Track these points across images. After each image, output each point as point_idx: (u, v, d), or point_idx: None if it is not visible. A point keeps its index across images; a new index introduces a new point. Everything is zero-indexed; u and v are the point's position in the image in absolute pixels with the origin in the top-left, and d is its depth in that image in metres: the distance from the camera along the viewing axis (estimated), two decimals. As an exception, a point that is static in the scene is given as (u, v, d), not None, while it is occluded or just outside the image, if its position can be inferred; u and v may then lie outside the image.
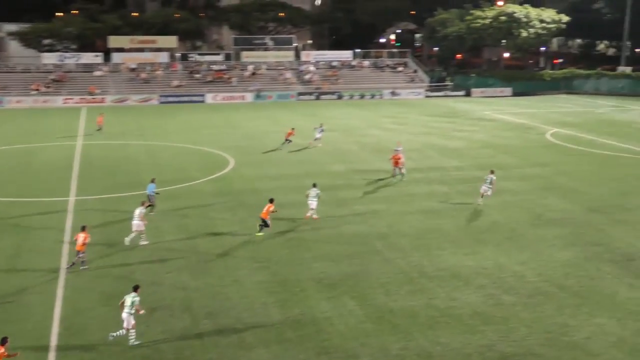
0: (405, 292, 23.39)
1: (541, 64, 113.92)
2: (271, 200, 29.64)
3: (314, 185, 32.33)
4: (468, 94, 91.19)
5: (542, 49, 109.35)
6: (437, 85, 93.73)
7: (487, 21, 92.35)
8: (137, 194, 36.04)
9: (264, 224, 29.21)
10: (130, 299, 19.93)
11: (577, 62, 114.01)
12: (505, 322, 21.24)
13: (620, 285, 24.01)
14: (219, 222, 31.45)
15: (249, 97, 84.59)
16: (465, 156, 47.43)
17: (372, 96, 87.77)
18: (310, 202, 31.49)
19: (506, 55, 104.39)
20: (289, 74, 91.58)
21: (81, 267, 25.30)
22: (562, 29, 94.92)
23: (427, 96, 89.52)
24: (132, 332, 19.86)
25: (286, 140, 50.04)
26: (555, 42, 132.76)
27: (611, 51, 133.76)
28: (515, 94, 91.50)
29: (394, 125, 62.84)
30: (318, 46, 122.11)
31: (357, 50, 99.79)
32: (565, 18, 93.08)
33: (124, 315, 19.81)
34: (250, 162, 45.25)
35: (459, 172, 42.01)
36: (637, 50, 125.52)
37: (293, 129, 51.60)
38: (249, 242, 28.55)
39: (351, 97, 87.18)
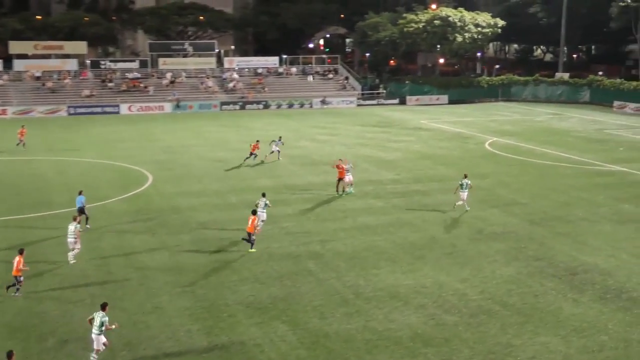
0: (340, 315, 23.47)
1: (478, 70, 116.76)
2: (254, 212, 30.25)
3: (263, 195, 33.00)
4: (402, 102, 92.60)
5: (478, 54, 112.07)
6: (369, 93, 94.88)
7: (421, 25, 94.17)
8: (46, 215, 35.12)
9: (251, 240, 29.69)
10: (99, 318, 20.01)
11: (514, 68, 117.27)
12: (447, 343, 21.55)
13: (564, 301, 24.72)
14: (137, 244, 30.93)
15: (168, 107, 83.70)
16: (402, 168, 48.10)
17: (301, 105, 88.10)
18: (259, 213, 31.74)
19: (441, 61, 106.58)
20: (211, 82, 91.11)
21: (14, 294, 24.77)
22: (497, 34, 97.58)
23: (360, 105, 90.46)
24: (94, 356, 19.96)
25: (251, 154, 49.04)
26: (491, 47, 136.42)
27: (548, 57, 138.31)
28: (452, 101, 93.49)
29: (325, 136, 63.24)
30: (242, 52, 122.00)
31: (284, 56, 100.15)
32: (500, 22, 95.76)
33: (93, 335, 19.95)
34: (171, 177, 44.73)
35: (395, 186, 42.55)
36: (574, 55, 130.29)
37: (258, 141, 50.52)
38: (171, 265, 28.16)
39: (278, 106, 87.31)
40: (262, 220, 32.12)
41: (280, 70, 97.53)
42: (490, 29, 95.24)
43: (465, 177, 36.75)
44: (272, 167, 48.11)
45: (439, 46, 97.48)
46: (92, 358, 19.91)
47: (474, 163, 50.25)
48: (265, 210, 32.26)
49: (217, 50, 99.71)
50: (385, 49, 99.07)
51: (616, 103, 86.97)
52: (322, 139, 61.22)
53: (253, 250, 29.69)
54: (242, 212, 36.03)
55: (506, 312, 23.79)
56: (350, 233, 32.63)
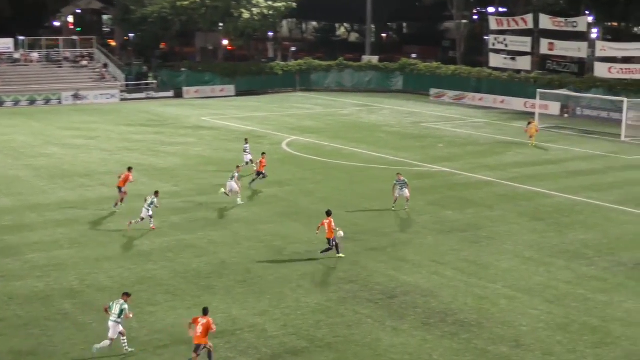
0: (108, 368, 23.03)
1: (270, 54, 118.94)
2: (328, 213, 32.74)
3: (156, 194, 37.19)
4: (179, 95, 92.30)
5: (270, 34, 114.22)
6: (136, 84, 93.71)
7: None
8: None
9: (333, 245, 32.56)
10: (118, 306, 23.74)
11: (314, 51, 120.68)
12: (245, 393, 21.72)
13: (382, 331, 25.72)
14: None
15: None
16: (180, 177, 47.96)
17: (47, 101, 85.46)
18: (143, 210, 36.32)
19: (225, 42, 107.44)
20: None
21: None
22: (292, 9, 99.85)
23: (124, 99, 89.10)
24: (124, 339, 23.60)
25: (260, 173, 45.78)
26: (285, 26, 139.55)
27: (354, 37, 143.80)
28: (240, 93, 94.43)
29: (80, 140, 61.73)
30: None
31: (21, 38, 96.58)
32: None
33: (110, 324, 23.58)
34: None
35: (173, 199, 42.33)
36: (383, 35, 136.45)
37: (264, 154, 47.14)
38: None
39: (16, 103, 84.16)
40: (142, 218, 36.30)
41: (17, 56, 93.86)
42: (284, 3, 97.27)
43: (399, 175, 40.75)
44: (9, 182, 46.24)
45: (221, 24, 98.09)
46: (103, 344, 23.28)
47: (270, 168, 51.03)
48: (150, 209, 36.22)
49: None
50: (154, 28, 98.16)
51: (433, 91, 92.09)
52: (76, 144, 59.67)
53: (341, 255, 32.61)
54: (-30, 243, 34.37)
55: (315, 349, 24.35)
56: (117, 262, 32.06)
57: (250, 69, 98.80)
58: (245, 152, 50.15)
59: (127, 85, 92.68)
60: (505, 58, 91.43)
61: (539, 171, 51.26)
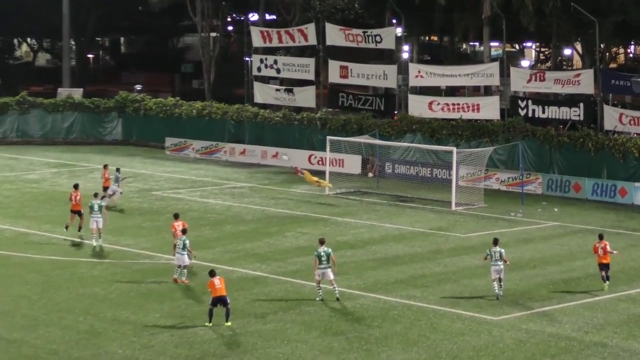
0: None
1: None
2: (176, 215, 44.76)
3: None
4: None
5: None
6: None
7: None
8: None
9: None
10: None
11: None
12: None
13: None
14: None
15: None
16: None
17: None
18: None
19: None
20: None
21: None
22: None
23: None
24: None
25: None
26: None
27: (43, 59, 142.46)
28: None
29: None
30: None
31: None
32: None
33: None
34: None
35: None
36: (90, 55, 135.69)
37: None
38: None
39: None
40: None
41: None
42: None
43: (496, 244, 44.71)
44: None
45: None
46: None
47: None
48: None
49: None
50: None
51: (169, 141, 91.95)
52: None
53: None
54: None
55: None
56: None
57: None
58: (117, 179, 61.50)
59: None
60: (278, 90, 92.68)
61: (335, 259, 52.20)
